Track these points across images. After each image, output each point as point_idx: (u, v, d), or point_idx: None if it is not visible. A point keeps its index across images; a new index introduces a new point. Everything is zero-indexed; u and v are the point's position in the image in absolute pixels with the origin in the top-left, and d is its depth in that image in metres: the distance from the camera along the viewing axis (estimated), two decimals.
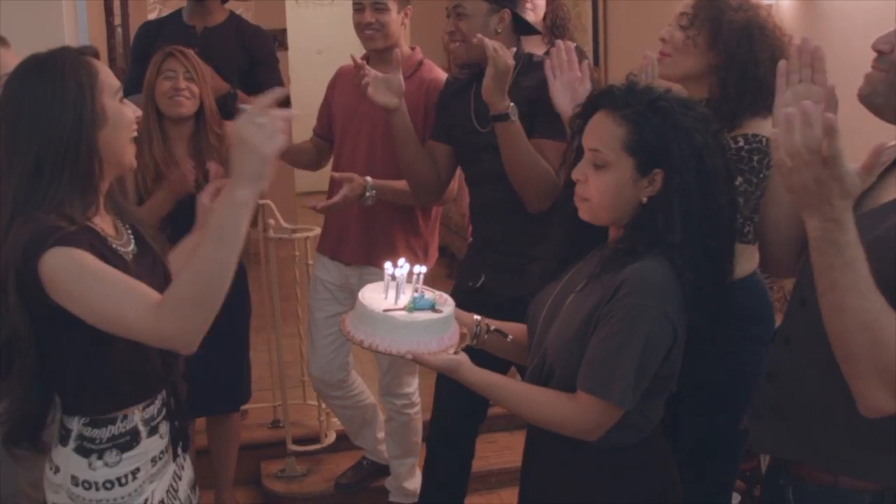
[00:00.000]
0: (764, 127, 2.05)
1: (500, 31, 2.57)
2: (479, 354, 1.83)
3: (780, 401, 1.60)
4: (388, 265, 1.72)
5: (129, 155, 1.75)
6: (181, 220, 2.75)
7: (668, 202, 1.66)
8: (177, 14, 3.91)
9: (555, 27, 3.48)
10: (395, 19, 2.92)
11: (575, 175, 1.74)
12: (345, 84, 3.09)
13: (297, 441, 3.59)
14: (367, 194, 2.83)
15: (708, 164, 1.66)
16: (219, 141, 2.98)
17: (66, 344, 1.67)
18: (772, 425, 1.62)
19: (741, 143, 2.06)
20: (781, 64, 1.56)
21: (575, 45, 2.45)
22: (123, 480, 1.73)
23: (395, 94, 2.63)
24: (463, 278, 2.72)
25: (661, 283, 1.64)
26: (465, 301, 2.59)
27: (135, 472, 1.74)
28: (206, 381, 2.96)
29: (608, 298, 1.66)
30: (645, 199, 1.69)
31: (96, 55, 1.75)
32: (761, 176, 2.02)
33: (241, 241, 1.53)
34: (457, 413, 2.72)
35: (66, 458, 1.73)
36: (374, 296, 1.72)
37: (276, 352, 3.65)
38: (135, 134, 1.75)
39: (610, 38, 5.19)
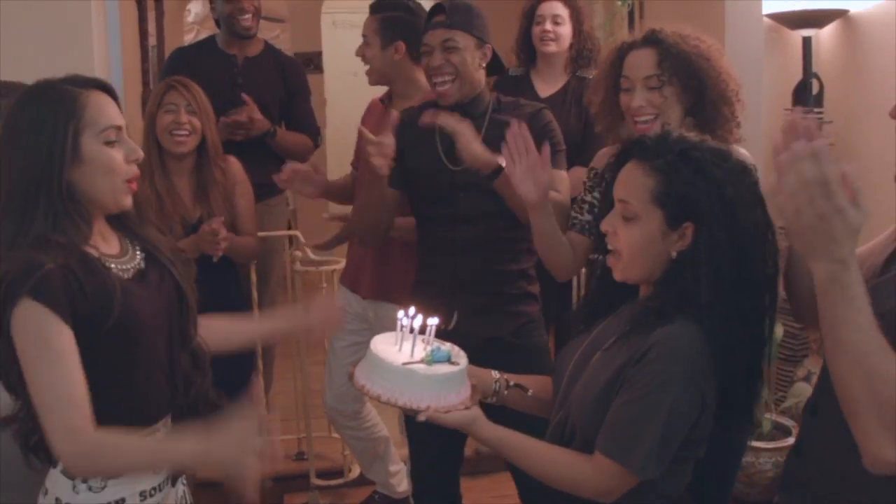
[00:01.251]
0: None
1: (483, 65, 2.52)
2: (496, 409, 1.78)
3: (808, 475, 1.53)
4: (400, 314, 1.68)
5: (117, 198, 1.70)
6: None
7: (697, 258, 1.59)
8: (211, 41, 3.93)
9: (580, 58, 3.47)
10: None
11: (604, 227, 1.69)
12: (370, 118, 3.07)
13: (320, 474, 3.56)
14: None
15: (741, 218, 1.59)
16: (222, 175, 2.95)
17: None
18: (801, 500, 1.55)
19: None
20: (776, 140, 1.41)
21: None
22: None
23: (386, 159, 2.46)
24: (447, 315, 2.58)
25: (690, 348, 1.57)
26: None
27: (119, 502, 1.68)
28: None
29: (635, 361, 1.59)
30: (675, 255, 1.62)
31: (104, 88, 1.70)
32: None
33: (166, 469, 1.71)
34: (435, 459, 2.64)
35: (55, 481, 1.69)
36: (386, 347, 1.67)
37: (301, 381, 3.62)
38: (127, 176, 1.69)
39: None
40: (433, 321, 1.70)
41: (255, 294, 3.55)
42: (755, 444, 3.19)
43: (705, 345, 1.58)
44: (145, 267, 1.76)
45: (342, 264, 3.34)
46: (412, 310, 1.69)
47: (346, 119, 3.06)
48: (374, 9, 2.98)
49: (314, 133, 3.85)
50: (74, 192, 1.64)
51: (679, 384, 1.55)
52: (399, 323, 1.68)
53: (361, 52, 2.97)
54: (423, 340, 1.68)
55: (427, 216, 2.63)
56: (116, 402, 1.68)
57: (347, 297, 3.13)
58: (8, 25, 2.90)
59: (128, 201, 1.72)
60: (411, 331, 1.67)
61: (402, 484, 3.35)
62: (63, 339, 1.57)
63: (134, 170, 1.71)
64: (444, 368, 1.64)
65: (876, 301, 1.31)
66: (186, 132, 2.87)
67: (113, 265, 1.69)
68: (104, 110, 1.67)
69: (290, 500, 3.58)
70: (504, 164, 2.30)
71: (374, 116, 3.08)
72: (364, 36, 2.97)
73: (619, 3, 4.38)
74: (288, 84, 3.80)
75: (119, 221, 1.78)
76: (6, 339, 1.58)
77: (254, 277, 3.52)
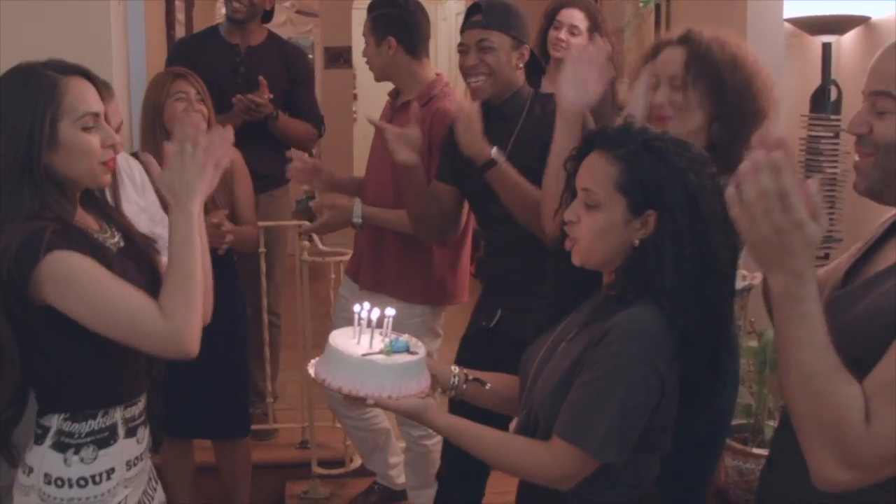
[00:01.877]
0: None
1: (520, 66, 2.53)
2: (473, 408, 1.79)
3: (781, 489, 1.52)
4: (357, 307, 1.70)
5: (96, 177, 1.74)
6: None
7: (660, 244, 1.60)
8: (213, 30, 3.97)
9: None
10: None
11: (567, 216, 1.70)
12: (384, 115, 3.10)
13: (323, 463, 3.59)
14: (354, 220, 2.81)
15: (703, 207, 1.60)
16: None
17: (50, 345, 1.68)
18: None
19: None
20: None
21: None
22: (97, 479, 1.72)
23: (413, 151, 2.54)
24: (477, 318, 2.67)
25: (650, 331, 1.58)
26: (476, 342, 2.61)
27: (109, 472, 1.74)
28: (207, 405, 3.01)
29: (594, 344, 1.60)
30: (637, 242, 1.63)
31: (84, 74, 1.74)
32: None
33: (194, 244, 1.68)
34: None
35: (41, 457, 1.72)
36: (345, 340, 1.68)
37: (306, 371, 3.64)
38: (104, 159, 1.73)
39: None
40: (390, 312, 1.71)
41: (263, 283, 3.59)
42: (756, 451, 3.16)
43: (666, 329, 1.58)
44: (125, 246, 1.80)
45: (350, 255, 3.37)
46: (367, 303, 1.70)
47: (376, 113, 3.09)
48: (368, 9, 3.04)
49: (318, 121, 3.89)
50: (53, 174, 1.68)
51: (636, 365, 1.56)
52: (356, 316, 1.69)
53: (363, 53, 3.03)
54: (380, 333, 1.69)
55: (477, 219, 2.71)
56: (104, 374, 1.74)
57: (350, 286, 3.19)
58: (24, 15, 2.94)
59: (107, 179, 1.77)
60: (368, 324, 1.68)
61: (401, 476, 3.37)
62: (100, 268, 1.64)
63: (109, 153, 1.74)
64: (404, 358, 1.65)
65: (833, 315, 1.29)
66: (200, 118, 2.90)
67: (99, 237, 1.74)
68: (83, 97, 1.71)
69: (292, 487, 3.61)
70: (497, 158, 2.32)
71: (386, 110, 3.12)
72: (363, 36, 3.03)
73: (641, 4, 4.36)
74: (291, 72, 3.83)
75: (95, 205, 1.82)
76: (19, 305, 1.61)
77: (263, 267, 3.56)
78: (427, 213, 2.68)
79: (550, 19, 3.51)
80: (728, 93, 2.08)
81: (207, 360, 2.90)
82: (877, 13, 3.41)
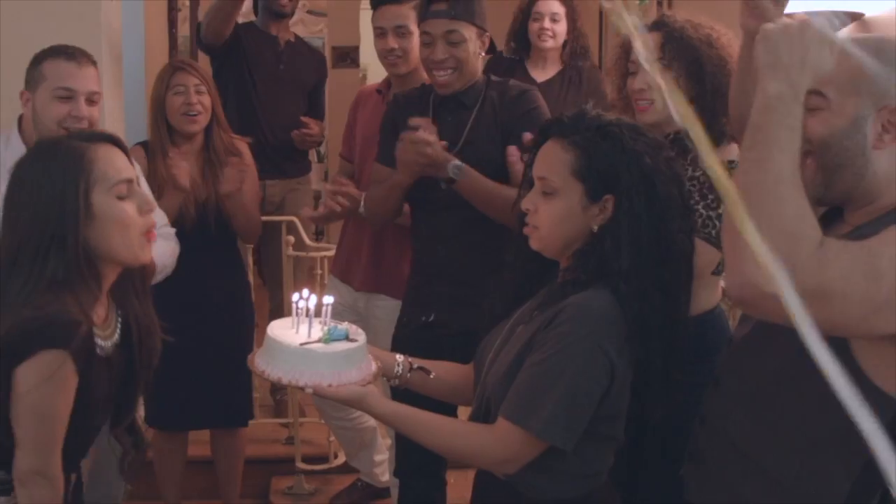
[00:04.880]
0: (735, 152, 2.01)
1: (482, 54, 2.51)
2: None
3: (725, 408, 1.52)
4: (295, 296, 1.68)
5: (136, 253, 1.68)
6: (187, 230, 2.79)
7: (617, 228, 1.59)
8: (251, 24, 4.05)
9: (574, 52, 3.63)
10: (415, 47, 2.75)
11: (524, 205, 1.68)
12: (366, 106, 3.08)
13: (307, 459, 3.59)
14: (361, 209, 2.80)
15: (660, 190, 1.60)
16: (229, 151, 2.99)
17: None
18: (703, 470, 1.55)
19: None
20: None
21: None
22: None
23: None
24: (412, 313, 2.57)
25: (601, 314, 1.56)
26: (415, 337, 2.50)
27: None
28: (206, 392, 3.01)
29: (544, 327, 1.59)
30: (596, 228, 1.62)
31: (112, 141, 1.72)
32: None
33: None
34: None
35: None
36: (284, 331, 1.67)
37: None
38: (143, 229, 1.69)
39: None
40: (328, 300, 1.70)
41: (250, 277, 3.59)
42: None
43: (619, 313, 1.56)
44: (119, 340, 1.75)
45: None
46: (306, 291, 1.69)
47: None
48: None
49: (322, 117, 4.16)
50: (88, 249, 1.63)
51: (584, 346, 1.54)
52: (294, 305, 1.67)
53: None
54: (319, 321, 1.67)
55: (414, 203, 2.59)
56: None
57: (338, 287, 3.12)
58: (11, 13, 2.94)
59: (146, 255, 1.71)
60: (307, 313, 1.66)
61: (385, 473, 3.35)
62: (64, 399, 1.60)
63: (150, 221, 1.70)
64: (342, 346, 1.63)
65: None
66: (197, 112, 2.91)
67: (98, 340, 1.68)
68: (113, 164, 1.67)
69: (277, 482, 3.61)
70: (455, 177, 2.31)
71: (368, 107, 3.09)
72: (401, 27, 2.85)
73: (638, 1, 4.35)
74: (319, 70, 4.09)
75: (122, 287, 1.77)
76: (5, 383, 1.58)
77: (250, 261, 3.56)
78: (390, 213, 2.61)
79: (527, 13, 3.59)
80: (706, 70, 2.09)
81: (214, 348, 2.91)
82: (870, 10, 3.36)
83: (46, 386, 1.56)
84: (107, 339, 1.71)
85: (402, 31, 2.82)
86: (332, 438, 3.59)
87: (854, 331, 1.29)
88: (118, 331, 1.76)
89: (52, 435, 1.60)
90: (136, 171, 1.72)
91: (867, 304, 1.23)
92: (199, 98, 2.92)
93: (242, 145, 3.09)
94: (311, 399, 3.58)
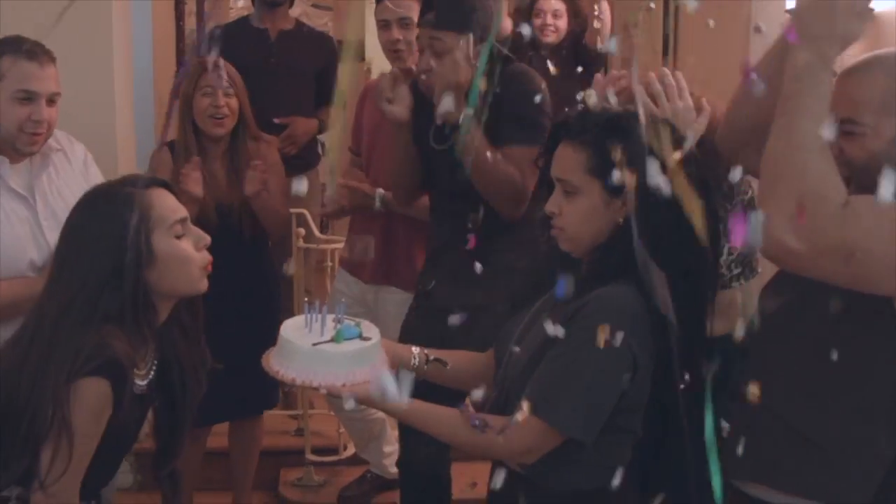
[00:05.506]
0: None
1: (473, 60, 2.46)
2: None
3: (741, 416, 1.56)
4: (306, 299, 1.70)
5: (193, 285, 1.76)
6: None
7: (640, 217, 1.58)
8: (243, 20, 4.01)
9: (577, 44, 3.79)
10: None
11: (548, 208, 1.69)
12: (372, 99, 3.08)
13: (317, 451, 3.61)
14: (377, 202, 2.81)
15: None
16: (255, 152, 2.96)
17: None
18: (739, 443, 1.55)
19: None
20: None
21: None
22: None
23: (406, 107, 2.50)
24: (420, 282, 2.65)
25: (624, 307, 1.57)
26: (417, 306, 2.61)
27: None
28: (233, 385, 2.99)
29: (567, 319, 1.59)
30: (621, 220, 1.63)
31: (160, 184, 1.76)
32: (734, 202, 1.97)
33: None
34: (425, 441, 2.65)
35: None
36: (296, 331, 1.67)
37: None
38: (203, 264, 1.75)
39: (679, 62, 5.06)
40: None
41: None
42: None
43: (643, 308, 1.57)
44: (154, 379, 1.80)
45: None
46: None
47: None
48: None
49: (327, 102, 3.94)
50: (148, 292, 1.69)
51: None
52: (306, 305, 1.69)
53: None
54: (333, 320, 1.68)
55: (436, 184, 2.63)
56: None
57: (346, 280, 3.15)
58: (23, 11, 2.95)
59: (204, 284, 1.78)
60: (320, 310, 1.67)
61: (394, 465, 3.37)
62: (97, 426, 1.65)
63: (206, 256, 1.77)
64: (354, 345, 1.63)
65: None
66: (224, 115, 2.89)
67: (136, 379, 1.73)
68: (168, 205, 1.74)
69: (286, 474, 3.63)
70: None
71: (373, 95, 3.09)
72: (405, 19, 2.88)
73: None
74: (324, 53, 3.86)
75: (170, 327, 1.81)
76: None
77: None
78: (405, 175, 2.63)
79: (528, 11, 3.71)
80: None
81: (239, 346, 2.89)
82: (879, 6, 3.37)
83: (82, 411, 1.62)
84: (143, 379, 1.76)
85: (405, 23, 2.83)
86: (342, 430, 3.61)
87: (887, 287, 1.31)
88: (154, 365, 1.80)
89: (78, 459, 1.64)
90: (187, 212, 1.78)
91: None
92: (227, 101, 2.89)
93: (268, 145, 3.08)
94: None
